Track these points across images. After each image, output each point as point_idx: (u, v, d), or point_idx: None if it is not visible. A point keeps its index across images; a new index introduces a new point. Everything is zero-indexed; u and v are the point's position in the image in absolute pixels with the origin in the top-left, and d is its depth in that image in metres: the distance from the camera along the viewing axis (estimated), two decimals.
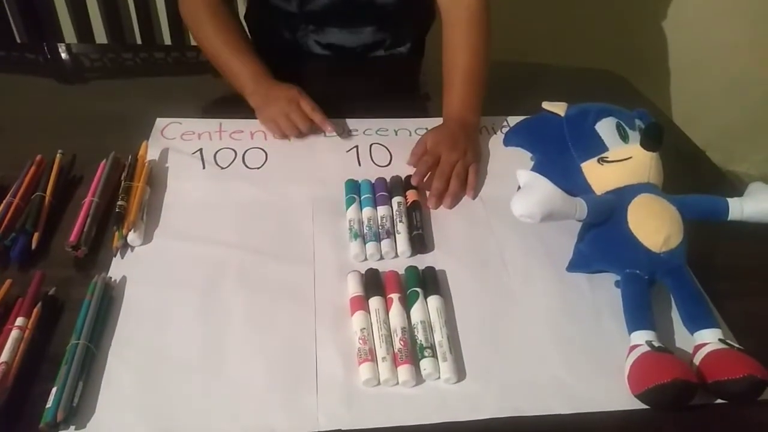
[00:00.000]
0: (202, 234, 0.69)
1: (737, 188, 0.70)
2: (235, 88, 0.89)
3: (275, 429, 0.51)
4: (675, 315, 0.62)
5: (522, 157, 0.84)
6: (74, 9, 1.30)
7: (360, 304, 0.61)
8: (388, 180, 0.77)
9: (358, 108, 0.91)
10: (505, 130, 0.90)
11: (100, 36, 1.35)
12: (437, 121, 0.87)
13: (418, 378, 0.55)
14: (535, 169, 0.78)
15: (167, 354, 0.56)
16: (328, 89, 0.88)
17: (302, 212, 0.73)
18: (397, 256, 0.68)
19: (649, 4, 1.67)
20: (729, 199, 0.67)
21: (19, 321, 0.55)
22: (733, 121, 1.84)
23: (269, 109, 0.85)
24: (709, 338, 0.58)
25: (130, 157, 0.76)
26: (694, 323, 0.59)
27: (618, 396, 0.55)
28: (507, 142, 0.88)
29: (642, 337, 0.57)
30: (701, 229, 0.66)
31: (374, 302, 0.61)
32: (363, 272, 0.64)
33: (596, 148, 0.70)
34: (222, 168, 0.79)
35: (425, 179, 0.78)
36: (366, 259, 0.67)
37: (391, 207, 0.73)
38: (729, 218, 0.67)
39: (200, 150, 0.82)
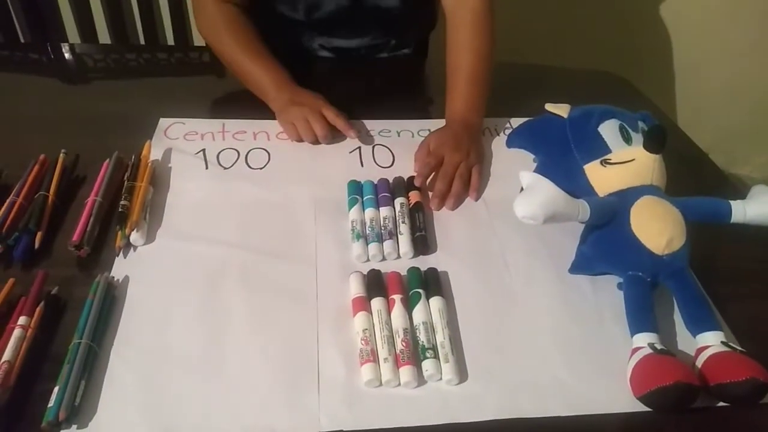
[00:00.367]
0: (205, 234, 0.69)
1: (740, 191, 0.70)
2: (257, 96, 0.88)
3: (276, 429, 0.51)
4: (677, 317, 0.62)
5: (525, 158, 0.84)
6: (78, 9, 1.30)
7: (362, 304, 0.61)
8: (390, 181, 0.77)
9: (361, 109, 0.91)
10: (508, 131, 0.90)
11: (104, 36, 1.35)
12: (440, 123, 0.87)
13: (420, 379, 0.55)
14: (537, 170, 0.78)
15: (169, 353, 0.56)
16: (330, 90, 0.88)
17: (305, 213, 0.73)
18: (399, 257, 0.68)
19: (652, 6, 1.67)
20: (732, 202, 0.67)
21: (22, 320, 0.55)
22: (736, 123, 1.84)
23: (290, 110, 0.85)
24: (712, 341, 0.57)
25: (133, 157, 0.76)
26: (697, 326, 0.59)
27: (620, 398, 0.55)
28: (510, 143, 0.88)
29: (644, 340, 0.57)
30: (704, 231, 0.66)
31: (376, 303, 0.61)
32: (365, 273, 0.64)
33: (599, 149, 0.70)
34: (225, 168, 0.79)
35: (428, 181, 0.78)
36: (368, 260, 0.67)
37: (394, 208, 0.73)
38: (732, 221, 0.66)
39: (203, 150, 0.82)
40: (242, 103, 0.89)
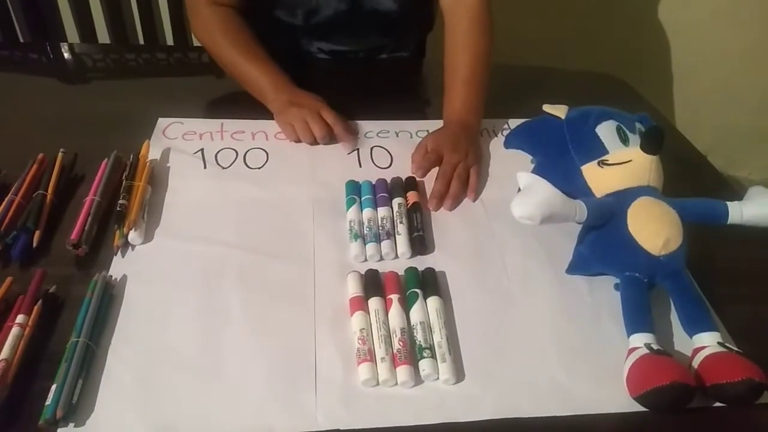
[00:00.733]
0: (203, 233, 0.69)
1: (738, 193, 0.70)
2: (256, 98, 0.88)
3: (274, 428, 0.51)
4: (674, 318, 0.63)
5: (523, 159, 0.84)
6: (77, 9, 1.30)
7: (359, 304, 0.61)
8: (388, 181, 0.78)
9: (359, 110, 0.91)
10: (506, 132, 0.90)
11: (103, 36, 1.35)
12: (438, 123, 0.87)
13: (417, 379, 0.55)
14: (535, 171, 0.78)
15: (167, 352, 0.56)
16: (329, 92, 0.88)
17: (303, 213, 0.73)
18: (397, 257, 0.68)
19: (651, 8, 1.67)
20: (728, 203, 0.67)
21: (20, 318, 0.55)
22: (735, 126, 1.84)
23: (289, 112, 0.85)
24: (708, 341, 0.58)
25: (131, 156, 0.77)
26: (693, 326, 0.60)
27: (616, 398, 0.55)
28: (508, 144, 0.88)
29: (641, 340, 0.57)
30: (701, 232, 0.66)
31: (374, 303, 0.61)
32: (363, 273, 0.64)
33: (596, 150, 0.70)
34: (223, 168, 0.79)
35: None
36: (366, 259, 0.67)
37: (392, 208, 0.73)
38: (728, 222, 0.67)
39: (201, 150, 0.82)
40: (241, 103, 0.89)
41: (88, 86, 1.03)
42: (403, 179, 0.78)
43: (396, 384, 0.55)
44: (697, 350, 0.58)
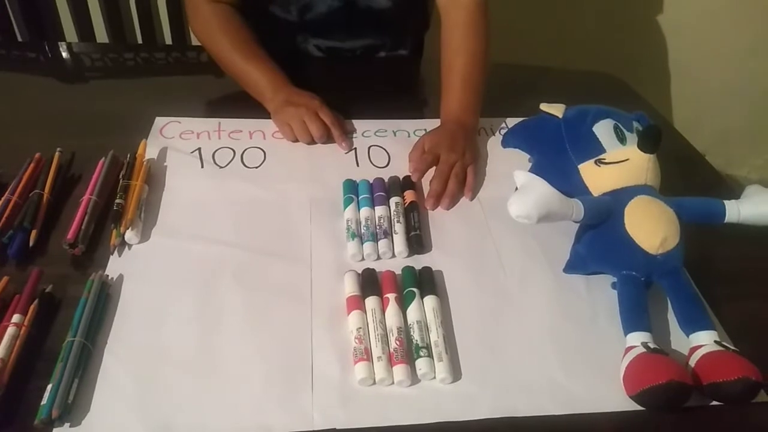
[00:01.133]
0: (200, 233, 0.69)
1: (736, 192, 0.70)
2: (253, 96, 0.88)
3: (270, 427, 0.51)
4: (671, 317, 0.63)
5: (520, 158, 0.84)
6: (75, 8, 1.30)
7: (356, 303, 0.61)
8: (386, 180, 0.77)
9: (357, 109, 0.91)
10: (503, 131, 0.90)
11: (101, 35, 1.35)
12: (436, 122, 0.87)
13: (414, 378, 0.55)
14: (532, 170, 0.78)
15: (163, 352, 0.56)
16: (326, 91, 0.88)
17: (300, 212, 0.73)
18: (394, 256, 0.68)
19: (649, 7, 1.67)
20: (726, 202, 0.67)
21: (16, 318, 0.55)
22: (733, 125, 1.84)
23: (287, 111, 0.85)
24: (705, 340, 0.58)
25: (128, 155, 0.76)
26: (690, 325, 0.60)
27: (613, 397, 0.55)
28: (505, 143, 0.88)
29: (638, 339, 0.57)
30: (698, 231, 0.66)
31: (371, 302, 0.61)
32: (360, 272, 0.64)
33: (593, 149, 0.70)
34: (220, 167, 0.79)
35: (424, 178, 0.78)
36: (363, 258, 0.67)
37: (389, 207, 0.73)
38: (726, 221, 0.67)
39: (199, 149, 0.82)
40: (238, 102, 0.89)
41: (86, 85, 1.03)
42: (401, 178, 0.78)
43: (393, 383, 0.55)
44: (694, 349, 0.58)
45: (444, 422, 0.53)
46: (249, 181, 0.77)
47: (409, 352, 0.57)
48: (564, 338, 0.61)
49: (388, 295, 0.61)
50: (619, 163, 0.68)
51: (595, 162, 0.70)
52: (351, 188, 0.75)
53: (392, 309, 0.60)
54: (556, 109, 0.79)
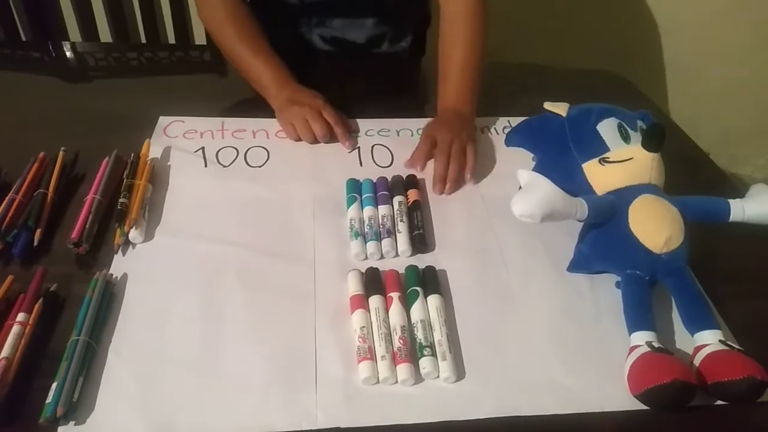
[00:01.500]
0: (204, 232, 0.69)
1: (741, 191, 0.69)
2: (257, 91, 0.88)
3: (274, 426, 0.51)
4: (675, 316, 0.62)
5: (523, 157, 0.84)
6: (79, 8, 1.30)
7: (360, 302, 0.61)
8: (389, 179, 0.77)
9: (360, 108, 0.91)
10: (506, 130, 0.90)
11: (105, 35, 1.35)
12: None
13: (417, 377, 0.55)
14: (536, 169, 0.77)
15: (167, 351, 0.56)
16: (330, 90, 0.88)
17: (303, 211, 0.73)
18: (397, 255, 0.68)
19: (654, 6, 1.67)
20: (730, 201, 0.66)
21: (21, 317, 0.55)
22: (738, 124, 1.84)
23: (290, 110, 0.85)
24: (710, 339, 0.57)
25: (132, 155, 0.77)
26: (695, 324, 0.59)
27: (617, 396, 0.55)
28: (508, 142, 0.88)
29: (642, 338, 0.57)
30: (703, 230, 0.65)
31: (374, 301, 0.61)
32: (363, 271, 0.64)
33: (597, 148, 0.70)
34: (224, 166, 0.79)
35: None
36: (366, 258, 0.67)
37: (392, 206, 0.73)
38: (730, 220, 0.66)
39: (202, 148, 0.82)
40: (242, 101, 0.89)
41: (90, 85, 1.03)
42: (404, 177, 0.78)
43: (396, 382, 0.55)
44: (698, 348, 0.57)
45: (447, 421, 0.53)
46: (252, 181, 0.77)
47: (412, 351, 0.57)
48: (568, 337, 0.61)
49: (392, 294, 0.61)
50: (623, 162, 0.68)
51: (599, 161, 0.69)
52: (354, 187, 0.75)
53: (396, 308, 0.60)
54: (560, 108, 0.79)
